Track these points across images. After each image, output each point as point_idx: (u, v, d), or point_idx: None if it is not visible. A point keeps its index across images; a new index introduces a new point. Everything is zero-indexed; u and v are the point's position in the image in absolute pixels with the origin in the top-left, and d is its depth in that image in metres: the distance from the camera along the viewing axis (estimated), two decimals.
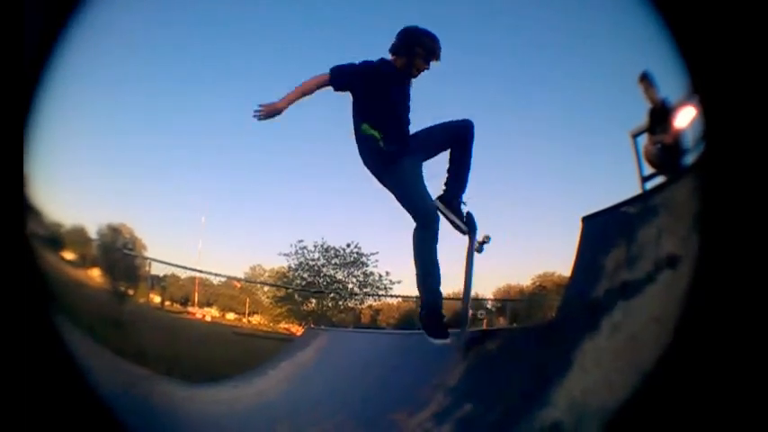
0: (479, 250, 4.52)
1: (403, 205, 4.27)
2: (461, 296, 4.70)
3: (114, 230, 14.71)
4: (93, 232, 13.41)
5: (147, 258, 13.08)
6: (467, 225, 4.53)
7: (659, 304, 2.56)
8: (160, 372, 6.99)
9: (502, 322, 20.04)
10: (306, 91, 4.10)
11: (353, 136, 4.31)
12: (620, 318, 2.82)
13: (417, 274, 4.29)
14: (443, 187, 4.51)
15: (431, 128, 4.45)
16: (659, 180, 6.18)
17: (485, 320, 20.41)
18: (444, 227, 4.42)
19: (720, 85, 2.01)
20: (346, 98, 4.29)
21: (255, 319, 24.35)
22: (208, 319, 21.65)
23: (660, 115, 6.31)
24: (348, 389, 5.33)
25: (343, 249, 22.92)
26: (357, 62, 4.27)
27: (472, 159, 4.45)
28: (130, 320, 9.61)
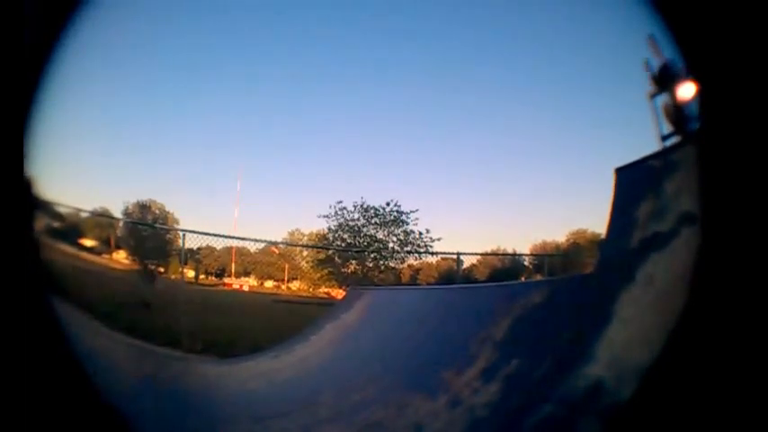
0: None
1: None
2: None
3: (143, 207, 14.64)
4: (118, 212, 13.37)
5: (180, 230, 12.65)
6: None
7: (684, 257, 2.55)
8: (194, 351, 6.82)
9: (540, 278, 19.82)
10: None
11: None
12: (652, 269, 2.86)
13: None
14: None
15: None
16: (676, 139, 6.11)
17: (522, 277, 20.50)
18: None
19: (717, 66, 2.08)
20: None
21: (295, 285, 24.51)
22: (245, 288, 21.80)
23: (667, 77, 6.04)
24: (392, 350, 5.12)
25: (383, 208, 22.70)
26: None
27: None
28: (161, 300, 9.47)
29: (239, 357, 6.93)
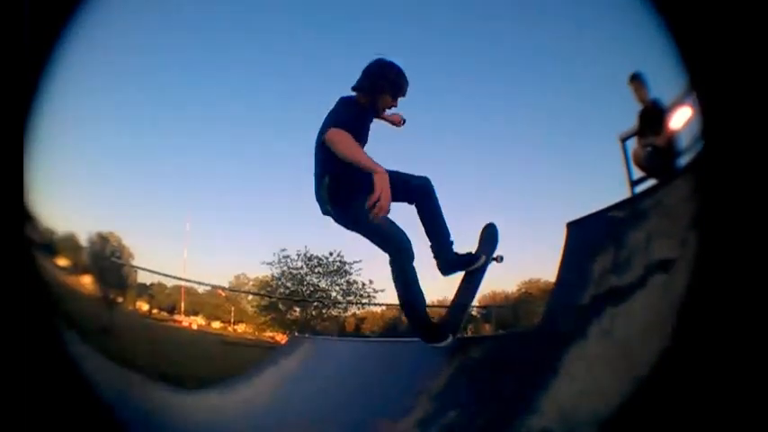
0: (499, 260, 4.57)
1: (374, 241, 4.24)
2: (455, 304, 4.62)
3: (103, 238, 14.76)
4: (84, 239, 13.50)
5: (133, 267, 13.13)
6: (482, 252, 4.54)
7: (651, 309, 2.56)
8: (151, 377, 7.13)
9: (488, 329, 20.14)
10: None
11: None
12: (608, 324, 2.81)
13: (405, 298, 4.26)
14: (432, 247, 4.42)
15: (395, 173, 4.13)
16: (649, 184, 6.06)
17: (470, 328, 20.45)
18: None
19: (718, 86, 2.00)
20: (326, 102, 4.24)
21: (241, 327, 24.27)
22: (195, 327, 21.61)
23: (652, 117, 6.26)
24: (332, 396, 5.40)
25: (326, 258, 23.00)
26: (341, 111, 4.12)
27: (443, 215, 4.39)
28: (119, 327, 9.73)
29: (187, 389, 7.34)
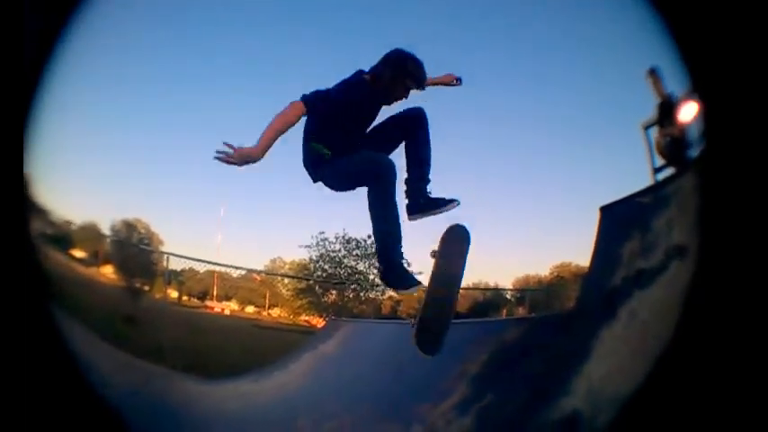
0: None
1: (354, 175, 3.94)
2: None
3: (129, 226, 14.61)
4: (106, 228, 13.34)
5: (164, 253, 12.72)
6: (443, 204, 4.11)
7: (671, 292, 2.62)
8: (177, 368, 6.83)
9: (521, 312, 19.89)
10: (282, 129, 3.60)
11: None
12: (636, 305, 2.90)
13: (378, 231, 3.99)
14: (407, 181, 4.11)
15: (381, 123, 4.11)
16: (670, 171, 6.27)
17: (504, 310, 20.21)
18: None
19: (720, 85, 2.07)
20: None
21: (276, 311, 24.32)
22: (227, 312, 21.61)
23: (667, 109, 6.25)
24: (369, 381, 5.22)
25: (365, 240, 22.49)
26: (332, 86, 3.91)
27: (431, 151, 4.12)
28: (145, 317, 9.47)
29: (219, 378, 6.98)
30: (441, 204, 4.05)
